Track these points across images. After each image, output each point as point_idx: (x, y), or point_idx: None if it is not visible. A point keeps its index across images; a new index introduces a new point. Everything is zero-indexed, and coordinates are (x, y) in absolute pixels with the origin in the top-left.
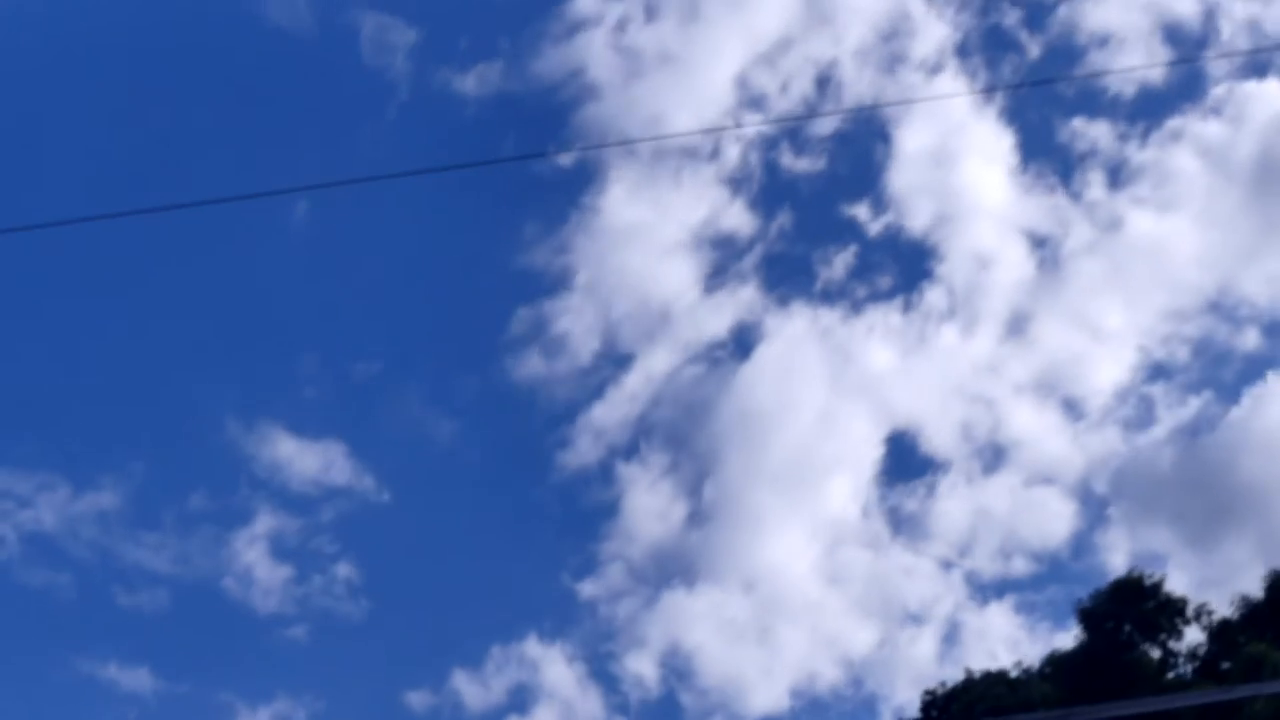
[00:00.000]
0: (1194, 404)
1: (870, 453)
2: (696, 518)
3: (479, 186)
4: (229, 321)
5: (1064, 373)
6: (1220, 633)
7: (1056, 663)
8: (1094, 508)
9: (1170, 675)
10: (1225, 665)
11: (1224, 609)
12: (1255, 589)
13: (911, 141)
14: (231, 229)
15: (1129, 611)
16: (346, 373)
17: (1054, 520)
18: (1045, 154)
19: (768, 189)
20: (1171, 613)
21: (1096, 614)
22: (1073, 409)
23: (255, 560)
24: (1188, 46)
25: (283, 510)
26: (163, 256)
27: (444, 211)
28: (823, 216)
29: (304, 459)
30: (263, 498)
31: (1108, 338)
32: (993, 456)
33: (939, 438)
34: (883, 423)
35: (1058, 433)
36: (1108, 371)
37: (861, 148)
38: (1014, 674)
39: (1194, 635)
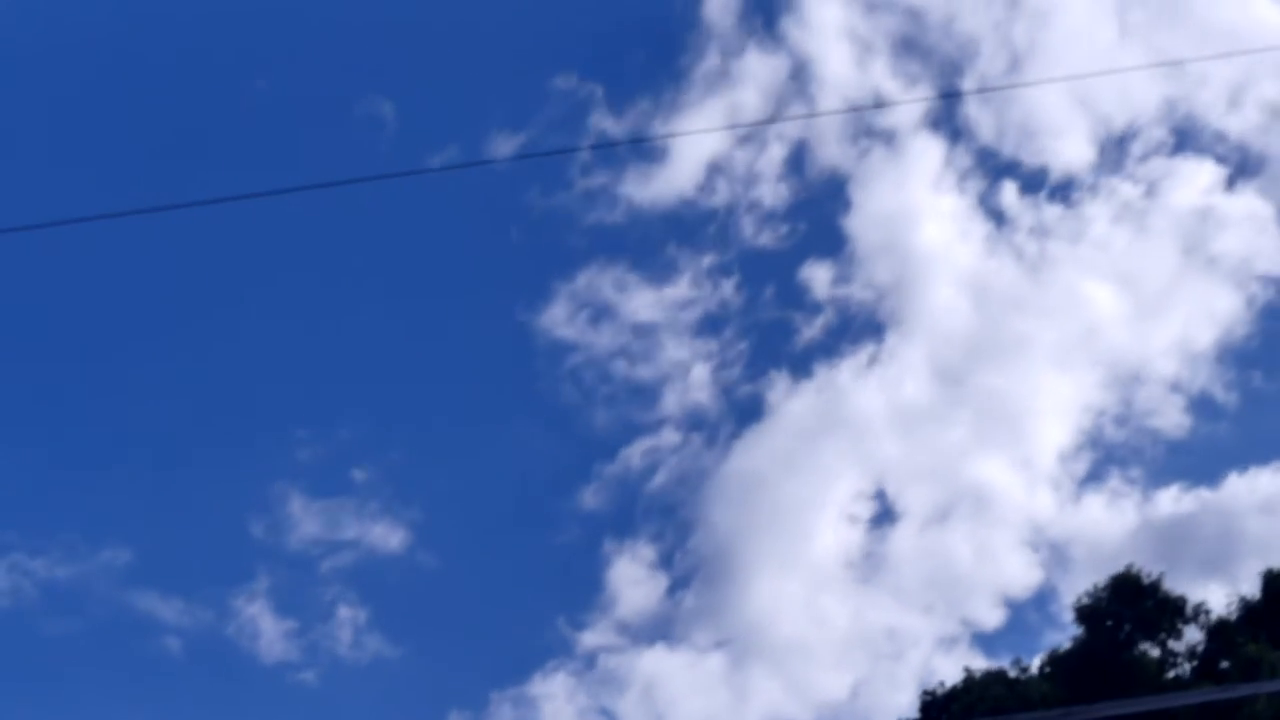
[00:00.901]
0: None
1: (853, 505)
2: (682, 577)
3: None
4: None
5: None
6: (1218, 632)
7: (1056, 661)
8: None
9: (1170, 675)
10: (1224, 665)
11: (1222, 609)
12: (1252, 589)
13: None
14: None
15: (1128, 610)
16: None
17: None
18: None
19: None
20: (1171, 612)
21: (1095, 612)
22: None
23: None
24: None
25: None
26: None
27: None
28: (788, 283)
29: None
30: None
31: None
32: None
33: (912, 490)
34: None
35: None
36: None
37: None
38: (1013, 673)
39: (1192, 634)
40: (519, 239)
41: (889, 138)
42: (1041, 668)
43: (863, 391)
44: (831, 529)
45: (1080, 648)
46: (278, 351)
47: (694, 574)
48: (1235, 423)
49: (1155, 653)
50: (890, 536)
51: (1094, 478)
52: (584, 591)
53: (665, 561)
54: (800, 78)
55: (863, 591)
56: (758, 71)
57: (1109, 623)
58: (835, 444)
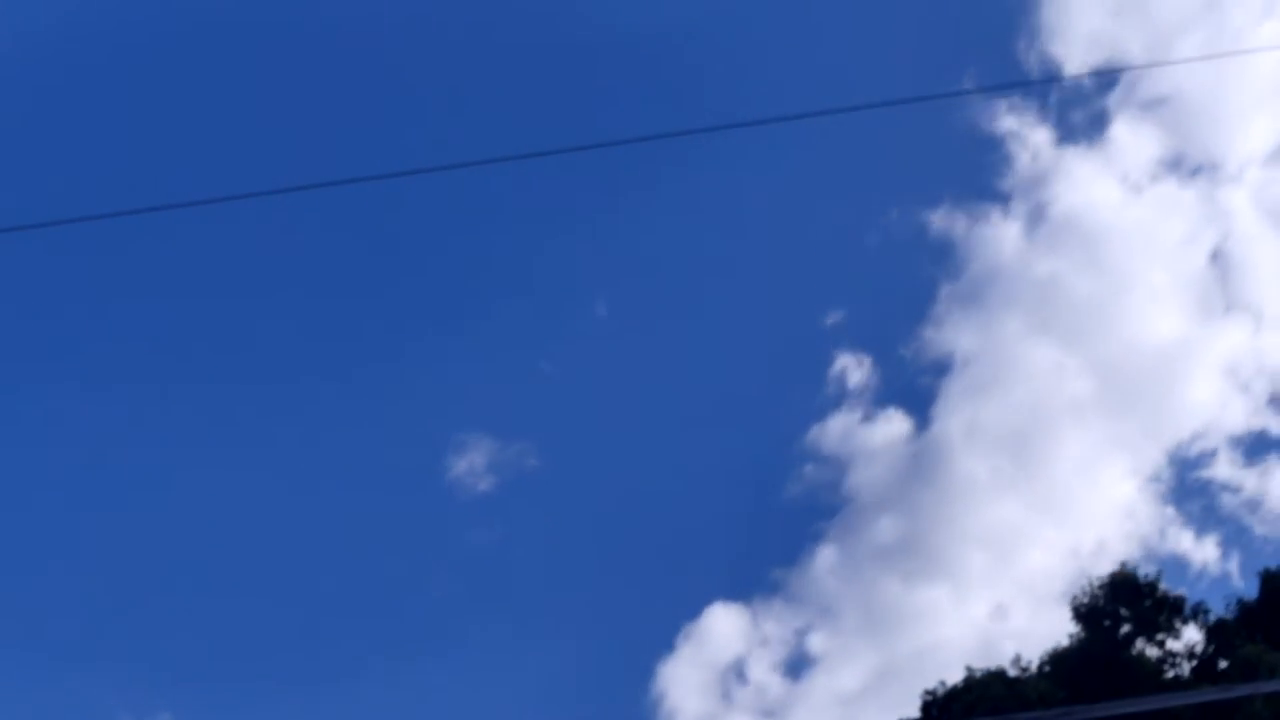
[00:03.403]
0: None
1: None
2: None
3: None
4: None
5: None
6: (1216, 633)
7: (1055, 660)
8: None
9: (1170, 674)
10: (1223, 665)
11: (1220, 609)
12: (1250, 590)
13: None
14: None
15: (1126, 609)
16: None
17: None
18: None
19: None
20: (1169, 611)
21: (1093, 611)
22: None
23: None
24: None
25: None
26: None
27: None
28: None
29: None
30: None
31: None
32: None
33: None
34: None
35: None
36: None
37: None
38: (1012, 672)
39: (1190, 634)
40: None
41: None
42: (1040, 667)
43: None
44: None
45: (1079, 647)
46: None
47: None
48: None
49: (1154, 652)
50: None
51: None
52: None
53: None
54: None
55: None
56: None
57: (1107, 622)
58: None
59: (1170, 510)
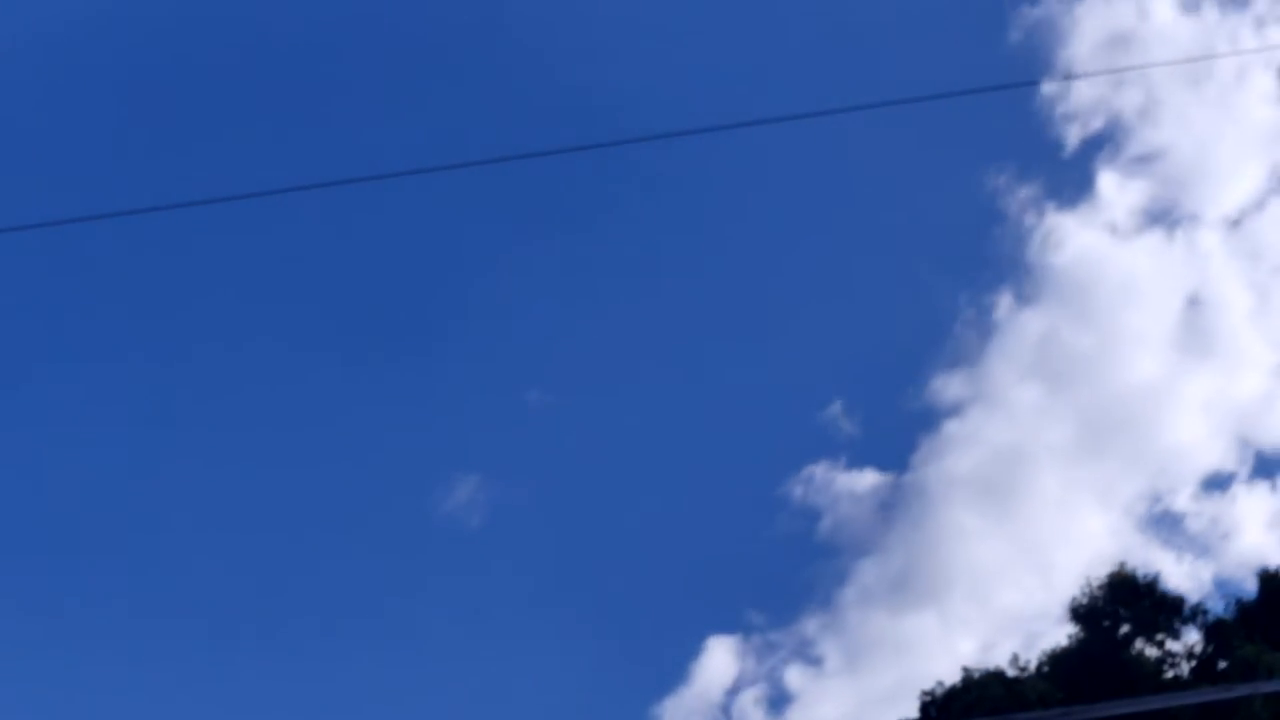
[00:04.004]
0: None
1: None
2: None
3: None
4: None
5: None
6: (1215, 633)
7: (1054, 661)
8: None
9: (1169, 675)
10: (1222, 665)
11: (1219, 609)
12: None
13: None
14: None
15: (1125, 609)
16: None
17: None
18: None
19: None
20: (1169, 611)
21: (1092, 611)
22: None
23: None
24: None
25: None
26: None
27: None
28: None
29: None
30: None
31: None
32: None
33: None
34: None
35: None
36: None
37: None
38: (1011, 673)
39: (1190, 634)
40: None
41: None
42: (1039, 667)
43: None
44: None
45: (1078, 647)
46: None
47: None
48: None
49: (1153, 653)
50: None
51: None
52: None
53: None
54: None
55: None
56: None
57: (1106, 622)
58: None
59: (1147, 544)
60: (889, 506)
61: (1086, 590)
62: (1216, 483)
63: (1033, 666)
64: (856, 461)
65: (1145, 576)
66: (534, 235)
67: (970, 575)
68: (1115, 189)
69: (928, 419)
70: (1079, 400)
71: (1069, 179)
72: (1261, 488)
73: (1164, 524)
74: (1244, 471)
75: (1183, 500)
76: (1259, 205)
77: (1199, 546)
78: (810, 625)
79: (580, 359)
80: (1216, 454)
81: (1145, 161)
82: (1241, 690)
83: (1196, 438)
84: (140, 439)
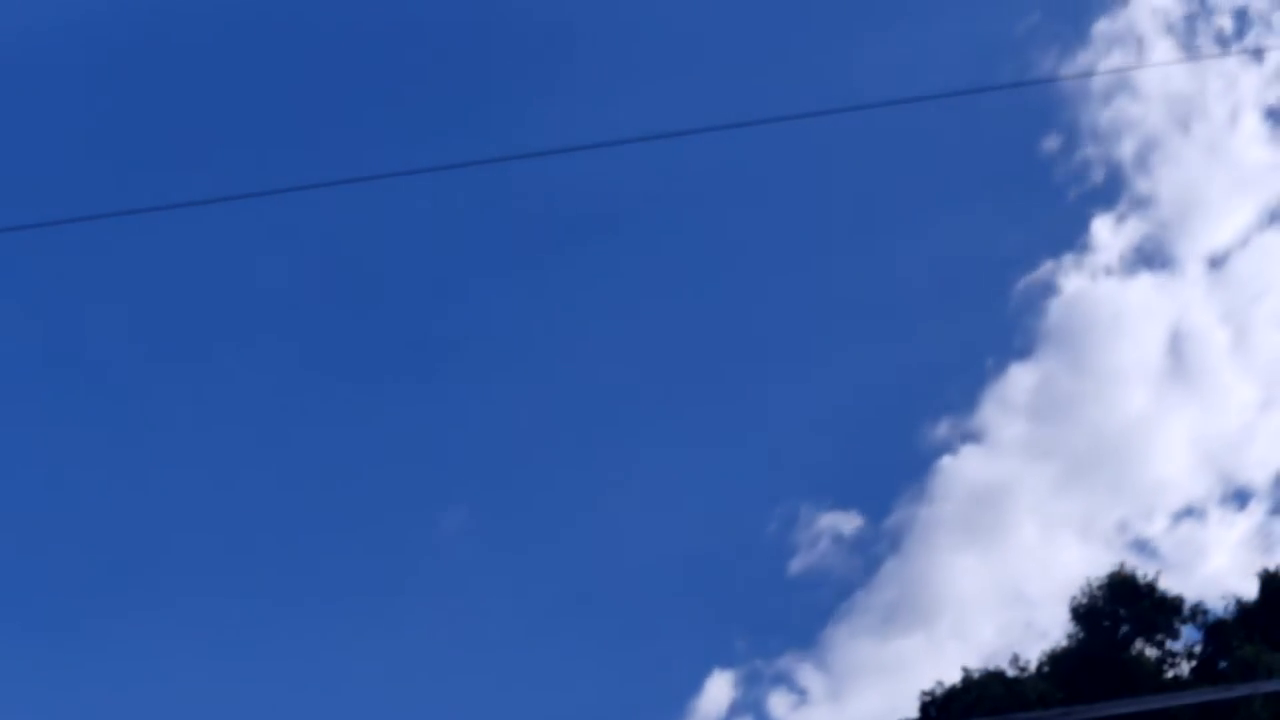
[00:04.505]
0: None
1: None
2: None
3: None
4: None
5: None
6: (1215, 633)
7: (1054, 661)
8: None
9: (1169, 675)
10: (1222, 665)
11: (1219, 609)
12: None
13: None
14: None
15: (1125, 609)
16: None
17: None
18: None
19: None
20: (1168, 611)
21: (1092, 611)
22: None
23: None
24: None
25: None
26: None
27: None
28: None
29: None
30: None
31: None
32: None
33: None
34: None
35: None
36: None
37: None
38: (1010, 673)
39: (1189, 634)
40: None
41: None
42: (1039, 667)
43: None
44: None
45: (1078, 647)
46: None
47: None
48: None
49: (1152, 653)
50: None
51: None
52: None
53: None
54: None
55: None
56: None
57: (1106, 623)
58: None
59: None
60: (874, 545)
61: (1086, 590)
62: (1190, 512)
63: (1033, 666)
64: (841, 503)
65: (1145, 576)
66: (535, 252)
67: (955, 605)
68: (1109, 233)
69: (917, 461)
70: (1064, 436)
71: (1063, 225)
72: (1234, 517)
73: (1140, 551)
74: (1216, 501)
75: (1156, 529)
76: (1243, 243)
77: (1173, 572)
78: (796, 658)
79: (573, 392)
80: (1195, 485)
81: (1138, 205)
82: (1241, 690)
83: (1177, 470)
84: (140, 439)
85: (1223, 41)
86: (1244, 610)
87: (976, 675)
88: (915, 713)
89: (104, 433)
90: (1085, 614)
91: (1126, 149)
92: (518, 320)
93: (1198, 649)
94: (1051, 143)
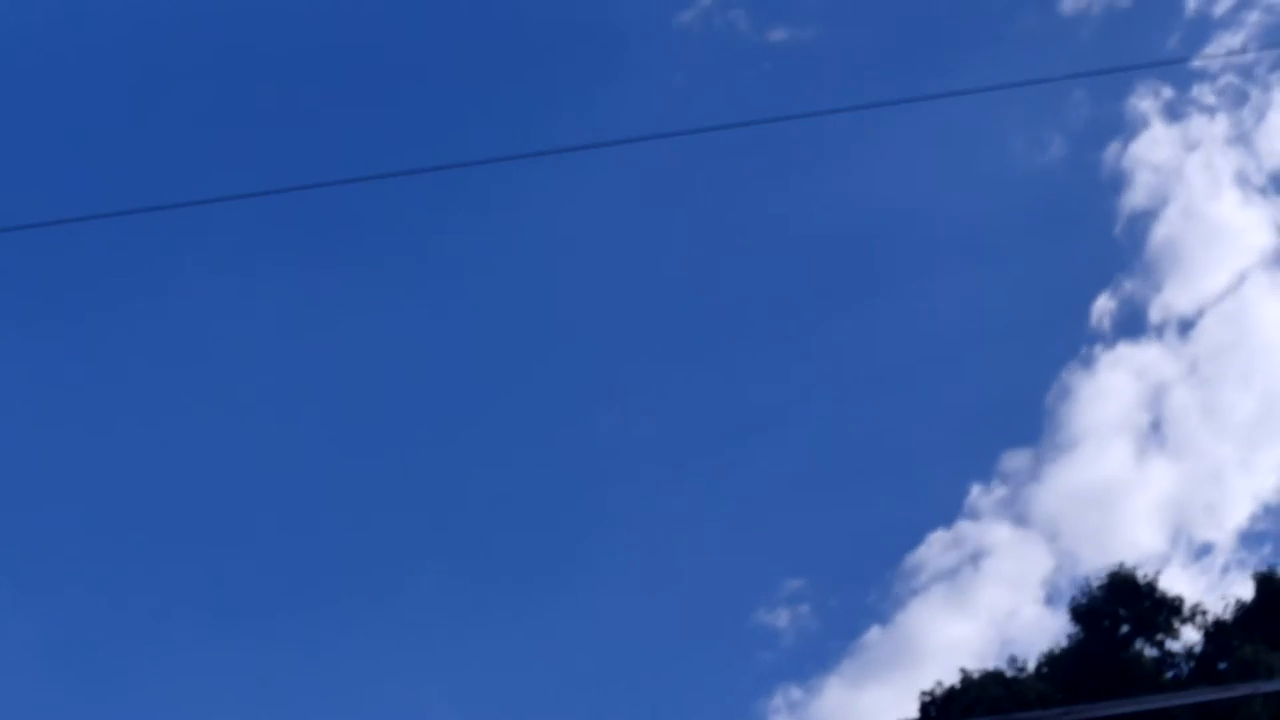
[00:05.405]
0: None
1: None
2: None
3: None
4: None
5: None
6: (1215, 633)
7: (1053, 661)
8: None
9: (1168, 675)
10: (1222, 665)
11: (1218, 609)
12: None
13: None
14: None
15: (1124, 609)
16: None
17: None
18: None
19: None
20: (1168, 611)
21: (1091, 611)
22: None
23: None
24: None
25: None
26: None
27: None
28: None
29: None
30: None
31: None
32: None
33: None
34: None
35: None
36: None
37: None
38: (1010, 673)
39: (1189, 635)
40: None
41: None
42: (1038, 668)
43: None
44: None
45: (1077, 648)
46: None
47: None
48: None
49: (1152, 653)
50: None
51: None
52: None
53: None
54: None
55: None
56: None
57: (1105, 623)
58: None
59: None
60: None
61: (1086, 590)
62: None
63: (1032, 667)
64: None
65: (1145, 576)
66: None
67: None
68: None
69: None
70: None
71: None
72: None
73: None
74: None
75: None
76: (1216, 305)
77: None
78: None
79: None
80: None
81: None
82: (1241, 690)
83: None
84: (139, 440)
85: None
86: (1244, 610)
87: (975, 675)
88: (915, 713)
89: (101, 434)
90: (1085, 614)
91: None
92: None
93: (1197, 649)
94: None
